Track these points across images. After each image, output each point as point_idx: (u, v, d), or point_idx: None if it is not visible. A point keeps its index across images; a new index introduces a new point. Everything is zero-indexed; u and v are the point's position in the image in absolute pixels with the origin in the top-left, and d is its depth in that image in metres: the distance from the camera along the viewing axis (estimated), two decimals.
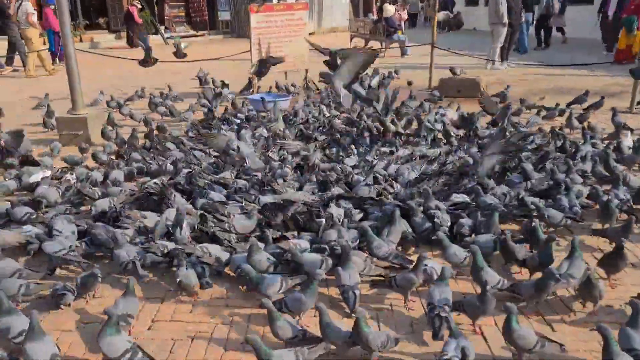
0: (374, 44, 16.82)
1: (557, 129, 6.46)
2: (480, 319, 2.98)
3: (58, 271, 3.61)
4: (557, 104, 7.68)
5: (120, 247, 3.54)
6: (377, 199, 4.36)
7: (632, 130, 6.46)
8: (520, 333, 2.61)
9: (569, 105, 7.88)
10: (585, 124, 6.85)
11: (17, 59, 13.88)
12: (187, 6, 25.48)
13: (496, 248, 3.55)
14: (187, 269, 3.32)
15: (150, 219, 4.02)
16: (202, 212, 4.07)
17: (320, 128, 6.93)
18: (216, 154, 5.81)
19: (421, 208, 4.08)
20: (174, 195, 4.34)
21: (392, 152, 5.85)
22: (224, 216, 4.00)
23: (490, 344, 2.88)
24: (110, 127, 6.94)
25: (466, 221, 3.95)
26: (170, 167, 5.27)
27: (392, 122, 6.62)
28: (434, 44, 10.50)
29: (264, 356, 2.48)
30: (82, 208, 4.61)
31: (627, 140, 5.98)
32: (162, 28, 22.50)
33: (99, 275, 3.29)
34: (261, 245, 3.63)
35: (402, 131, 6.53)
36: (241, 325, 3.08)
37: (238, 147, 5.31)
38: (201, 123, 7.37)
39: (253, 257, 3.41)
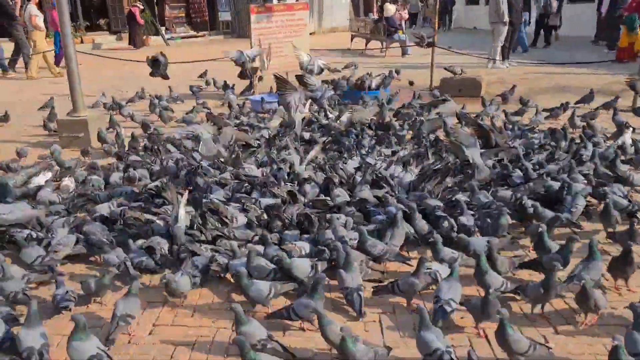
0: (375, 44, 16.82)
1: (560, 129, 6.43)
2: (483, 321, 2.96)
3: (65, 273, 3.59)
4: (562, 104, 7.63)
5: (110, 252, 3.57)
6: (381, 200, 4.33)
7: (634, 128, 6.42)
8: (515, 338, 2.57)
9: (577, 103, 7.87)
10: (584, 122, 6.82)
11: (20, 60, 13.85)
12: (188, 7, 25.46)
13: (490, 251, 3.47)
14: (182, 274, 3.29)
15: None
16: (202, 211, 4.04)
17: (321, 129, 6.89)
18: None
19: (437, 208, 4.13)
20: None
21: (394, 153, 5.81)
22: (227, 219, 3.97)
23: (493, 347, 2.85)
24: (106, 131, 6.81)
25: (467, 220, 3.95)
26: (173, 168, 5.26)
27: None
28: (434, 43, 10.47)
29: (249, 357, 2.47)
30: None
31: (627, 138, 5.97)
32: (162, 29, 22.49)
33: (109, 283, 3.29)
34: (261, 248, 3.63)
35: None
36: None
37: (200, 133, 5.28)
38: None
39: (252, 263, 3.38)
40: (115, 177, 5.11)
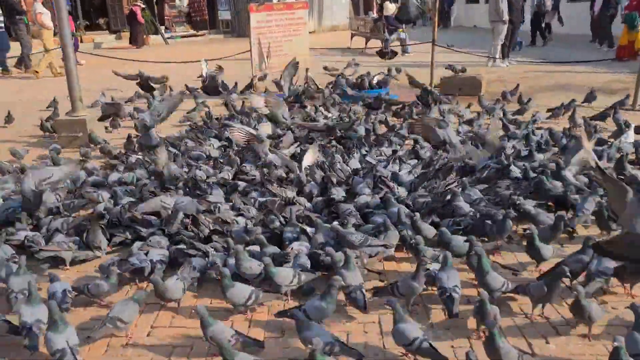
0: (375, 43, 16.77)
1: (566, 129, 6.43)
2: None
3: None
4: (563, 103, 7.60)
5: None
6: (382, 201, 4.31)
7: (635, 127, 6.40)
8: (505, 350, 2.50)
9: (583, 102, 7.88)
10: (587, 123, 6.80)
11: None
12: (187, 6, 25.43)
13: (470, 250, 3.45)
14: (177, 279, 3.25)
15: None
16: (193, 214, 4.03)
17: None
18: (216, 155, 5.80)
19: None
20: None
21: (394, 152, 5.79)
22: (225, 222, 3.95)
23: None
24: (97, 133, 6.80)
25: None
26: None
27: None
28: (434, 42, 10.44)
29: (228, 356, 2.47)
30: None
31: (629, 137, 5.95)
32: (162, 28, 22.48)
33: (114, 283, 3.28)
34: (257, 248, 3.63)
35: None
36: (241, 330, 3.03)
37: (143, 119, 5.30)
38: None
39: (242, 264, 3.33)
40: (114, 177, 5.08)
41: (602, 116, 7.08)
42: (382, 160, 5.46)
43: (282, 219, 4.02)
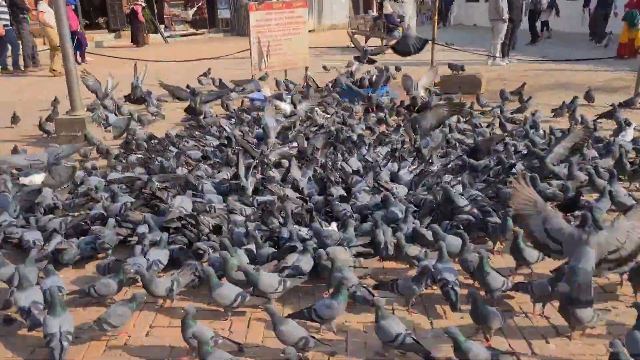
0: (375, 41, 16.75)
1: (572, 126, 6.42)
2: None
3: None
4: (564, 102, 7.57)
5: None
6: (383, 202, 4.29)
7: (635, 125, 6.40)
8: (474, 351, 2.50)
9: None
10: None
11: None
12: (187, 5, 25.41)
13: (463, 249, 3.47)
14: (169, 278, 3.25)
15: None
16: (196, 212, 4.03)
17: (317, 129, 6.83)
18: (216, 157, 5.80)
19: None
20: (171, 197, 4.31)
21: (394, 150, 5.77)
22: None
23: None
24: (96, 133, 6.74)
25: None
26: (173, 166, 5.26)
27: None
28: (434, 40, 10.43)
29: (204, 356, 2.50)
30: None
31: (629, 135, 5.94)
32: (161, 27, 22.47)
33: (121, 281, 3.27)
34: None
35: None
36: (240, 330, 3.04)
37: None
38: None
39: (230, 273, 3.28)
40: (113, 176, 5.06)
41: (609, 114, 7.00)
42: (380, 159, 5.45)
43: (281, 219, 4.00)
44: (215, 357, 2.54)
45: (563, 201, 4.28)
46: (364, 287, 3.16)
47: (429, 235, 3.69)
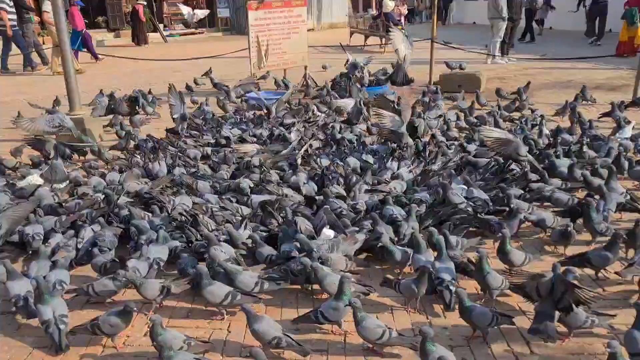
0: (374, 40, 16.75)
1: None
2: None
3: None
4: (567, 102, 7.55)
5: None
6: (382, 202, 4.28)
7: (633, 124, 6.39)
8: (436, 354, 2.49)
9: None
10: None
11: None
12: (186, 4, 25.38)
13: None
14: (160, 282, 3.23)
15: None
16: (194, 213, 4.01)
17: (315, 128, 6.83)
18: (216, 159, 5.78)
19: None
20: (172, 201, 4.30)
21: (393, 150, 5.77)
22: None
23: (493, 351, 2.83)
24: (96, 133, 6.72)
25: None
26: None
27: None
28: (433, 39, 10.42)
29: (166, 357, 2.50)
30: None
31: (626, 133, 5.93)
32: (160, 26, 22.46)
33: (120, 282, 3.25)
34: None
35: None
36: (239, 329, 3.03)
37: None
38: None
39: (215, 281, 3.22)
40: (112, 176, 5.05)
41: (610, 113, 6.97)
42: (377, 158, 5.46)
43: (280, 220, 3.99)
44: (179, 359, 2.53)
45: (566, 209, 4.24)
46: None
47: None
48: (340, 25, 24.80)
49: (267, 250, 3.58)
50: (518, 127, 6.49)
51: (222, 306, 3.10)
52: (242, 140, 6.26)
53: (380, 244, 3.56)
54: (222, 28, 25.18)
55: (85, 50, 14.28)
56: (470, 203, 4.17)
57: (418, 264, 3.29)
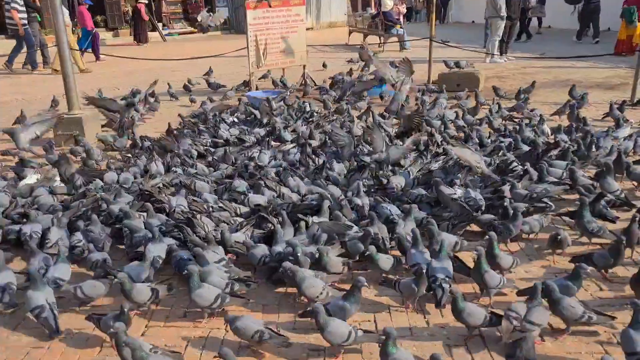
0: (374, 39, 16.73)
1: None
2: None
3: None
4: (568, 101, 7.54)
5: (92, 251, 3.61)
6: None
7: (631, 122, 6.40)
8: (395, 357, 2.49)
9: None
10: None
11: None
12: (185, 3, 25.39)
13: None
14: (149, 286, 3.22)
15: None
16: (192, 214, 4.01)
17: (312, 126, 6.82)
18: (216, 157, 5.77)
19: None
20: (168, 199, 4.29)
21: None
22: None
23: (491, 351, 2.83)
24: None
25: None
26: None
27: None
28: (432, 37, 10.41)
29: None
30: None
31: (623, 132, 5.93)
32: (160, 25, 22.44)
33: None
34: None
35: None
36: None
37: None
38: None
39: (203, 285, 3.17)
40: (110, 177, 5.04)
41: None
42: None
43: (275, 222, 3.98)
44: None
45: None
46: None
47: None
48: (339, 24, 24.81)
49: (261, 251, 3.55)
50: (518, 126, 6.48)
51: (211, 309, 3.09)
52: (240, 140, 6.24)
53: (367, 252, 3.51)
54: (221, 27, 25.16)
55: (90, 50, 14.28)
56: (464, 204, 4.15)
57: (412, 261, 3.31)
